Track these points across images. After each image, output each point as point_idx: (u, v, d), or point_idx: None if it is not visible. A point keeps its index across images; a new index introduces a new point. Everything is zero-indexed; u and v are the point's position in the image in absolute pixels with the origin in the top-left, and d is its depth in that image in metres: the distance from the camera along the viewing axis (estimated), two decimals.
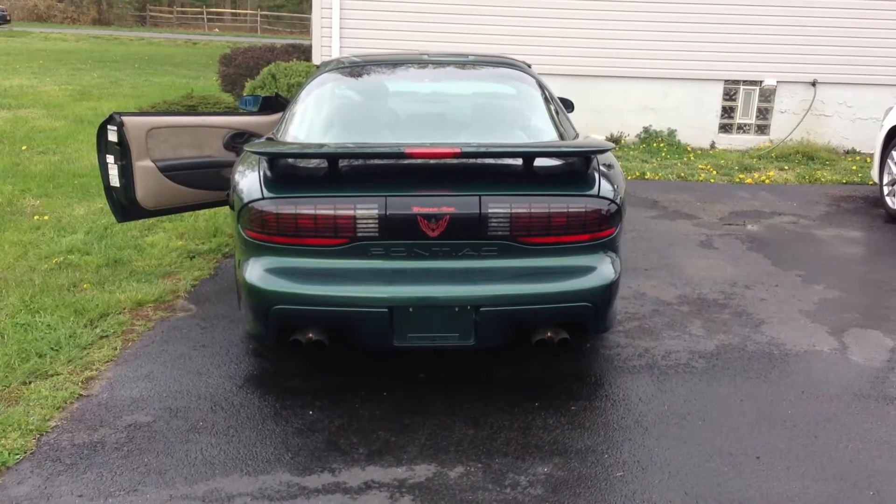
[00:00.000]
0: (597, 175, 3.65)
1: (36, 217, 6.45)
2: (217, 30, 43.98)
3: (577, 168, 3.72)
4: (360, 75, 4.81)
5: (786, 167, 9.88)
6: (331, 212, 3.41)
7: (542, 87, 4.65)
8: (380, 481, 3.11)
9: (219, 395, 3.77)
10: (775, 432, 3.57)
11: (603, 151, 3.64)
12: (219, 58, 12.95)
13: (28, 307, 4.63)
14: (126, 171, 4.81)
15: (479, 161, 3.74)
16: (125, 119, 4.75)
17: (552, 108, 4.48)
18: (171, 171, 4.99)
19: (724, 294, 5.26)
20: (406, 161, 3.60)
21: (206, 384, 3.87)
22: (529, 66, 5.02)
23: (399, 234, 3.45)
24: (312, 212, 3.41)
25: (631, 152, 10.36)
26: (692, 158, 10.21)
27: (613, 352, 4.33)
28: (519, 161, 3.66)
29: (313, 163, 3.76)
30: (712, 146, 11.13)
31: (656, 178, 9.11)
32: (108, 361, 4.07)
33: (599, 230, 3.57)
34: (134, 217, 5.11)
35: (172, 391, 3.80)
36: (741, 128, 11.23)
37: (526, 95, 4.61)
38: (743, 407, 3.79)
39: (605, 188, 3.59)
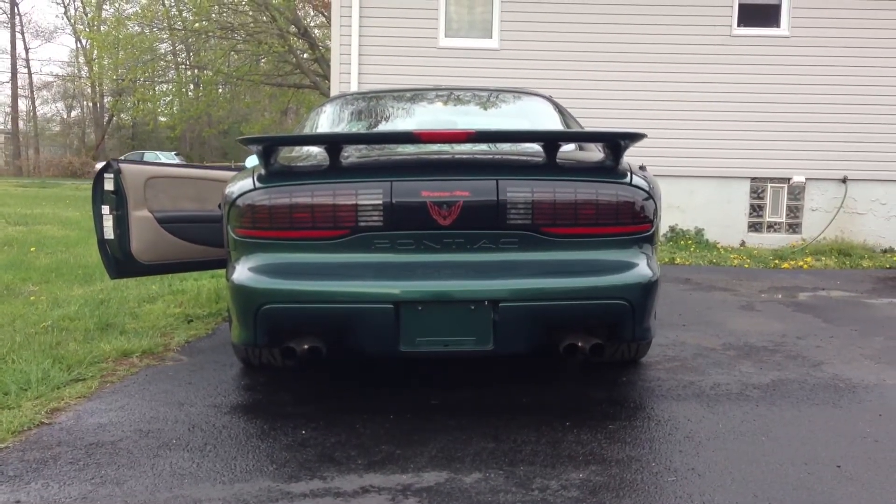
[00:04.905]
0: (629, 169, 3.25)
1: (32, 297, 6.09)
2: None
3: (606, 163, 3.31)
4: (365, 104, 4.55)
5: (823, 258, 9.42)
6: (329, 199, 3.02)
7: (563, 113, 4.35)
8: (380, 486, 2.56)
9: (199, 418, 3.26)
10: (855, 446, 2.98)
11: (634, 137, 3.22)
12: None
13: (3, 358, 4.19)
14: (122, 222, 4.46)
15: (497, 155, 3.39)
16: (123, 166, 4.45)
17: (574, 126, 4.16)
18: (170, 224, 4.64)
19: (774, 343, 4.71)
20: (415, 149, 3.27)
21: (186, 412, 3.36)
22: (550, 96, 4.73)
23: (406, 223, 3.03)
24: (309, 201, 3.03)
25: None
26: (722, 252, 9.77)
27: (654, 384, 3.78)
28: (541, 151, 3.26)
29: (312, 160, 3.42)
30: (742, 245, 10.70)
31: (687, 262, 8.68)
32: (79, 397, 3.58)
33: (633, 223, 3.14)
34: (129, 273, 4.71)
35: (147, 417, 3.28)
36: (771, 226, 10.82)
37: (547, 119, 4.30)
38: (813, 426, 3.21)
39: (639, 180, 3.19)
